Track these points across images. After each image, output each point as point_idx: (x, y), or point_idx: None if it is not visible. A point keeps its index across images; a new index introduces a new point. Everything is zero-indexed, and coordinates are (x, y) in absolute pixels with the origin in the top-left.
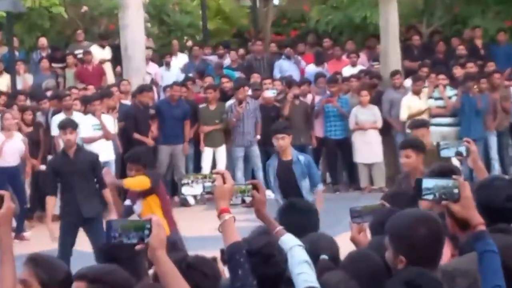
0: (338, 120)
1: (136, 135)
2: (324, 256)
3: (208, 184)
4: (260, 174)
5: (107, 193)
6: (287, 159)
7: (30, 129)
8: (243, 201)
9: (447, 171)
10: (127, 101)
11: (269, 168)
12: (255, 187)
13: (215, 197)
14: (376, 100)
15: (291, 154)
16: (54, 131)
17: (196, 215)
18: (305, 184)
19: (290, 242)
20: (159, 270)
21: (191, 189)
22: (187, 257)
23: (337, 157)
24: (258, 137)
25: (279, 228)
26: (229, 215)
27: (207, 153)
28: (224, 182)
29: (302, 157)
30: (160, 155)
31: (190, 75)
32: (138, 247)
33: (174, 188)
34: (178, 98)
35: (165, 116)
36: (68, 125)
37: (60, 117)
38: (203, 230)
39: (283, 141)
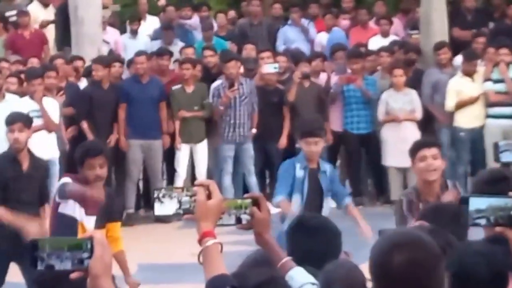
0: (362, 109)
1: (84, 124)
2: None
3: (185, 199)
4: (252, 181)
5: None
6: (314, 167)
7: None
8: (239, 221)
9: (501, 180)
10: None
11: (286, 173)
12: (256, 203)
13: (196, 216)
14: (415, 83)
15: (318, 162)
16: None
17: (171, 235)
18: (328, 204)
19: (300, 279)
20: None
21: (161, 207)
22: None
23: (360, 159)
24: (254, 130)
25: (287, 259)
26: (213, 240)
27: (183, 151)
28: (209, 197)
29: (327, 167)
30: (130, 153)
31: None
32: (74, 275)
33: (147, 199)
34: (150, 75)
35: (134, 100)
36: (17, 120)
37: None
38: (179, 255)
39: (316, 147)
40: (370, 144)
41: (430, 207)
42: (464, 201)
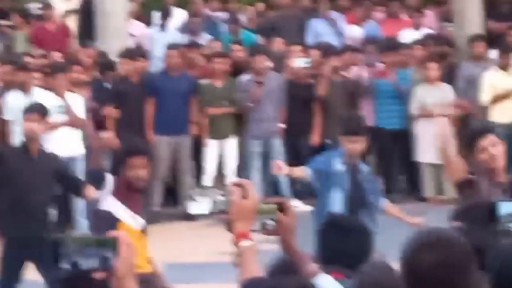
0: (394, 103)
1: (108, 110)
2: None
3: (220, 198)
4: (282, 178)
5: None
6: (354, 163)
7: None
8: (264, 226)
9: None
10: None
11: (320, 169)
12: (281, 208)
13: (231, 217)
14: (448, 77)
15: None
16: (8, 114)
17: (197, 233)
18: (374, 201)
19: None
20: None
21: (196, 206)
22: None
23: (392, 155)
24: (282, 125)
25: (313, 266)
26: (249, 241)
27: (211, 147)
28: (245, 197)
29: (364, 167)
30: (158, 149)
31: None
32: (98, 275)
33: (174, 196)
34: (180, 69)
35: (163, 94)
36: (35, 110)
37: (16, 95)
38: (205, 253)
39: (356, 146)
40: (403, 140)
41: (464, 207)
42: (493, 206)
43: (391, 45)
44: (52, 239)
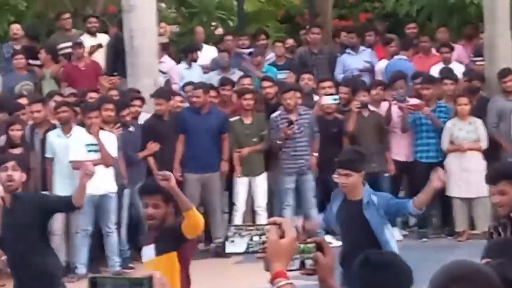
0: (432, 137)
1: (151, 160)
2: None
3: (256, 238)
4: (314, 214)
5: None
6: (355, 198)
7: (18, 150)
8: (303, 265)
9: None
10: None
11: (332, 206)
12: (320, 247)
13: (268, 256)
14: (479, 111)
15: (362, 192)
16: (48, 152)
17: (229, 271)
18: (385, 237)
19: None
20: None
21: (232, 245)
22: None
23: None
24: (315, 155)
25: None
26: (285, 281)
27: (242, 184)
28: (282, 236)
29: (375, 198)
30: (187, 187)
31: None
32: None
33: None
34: (210, 105)
35: (192, 132)
36: (10, 159)
37: (56, 133)
38: None
39: (346, 180)
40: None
41: (496, 242)
42: None
43: (431, 78)
44: (88, 280)
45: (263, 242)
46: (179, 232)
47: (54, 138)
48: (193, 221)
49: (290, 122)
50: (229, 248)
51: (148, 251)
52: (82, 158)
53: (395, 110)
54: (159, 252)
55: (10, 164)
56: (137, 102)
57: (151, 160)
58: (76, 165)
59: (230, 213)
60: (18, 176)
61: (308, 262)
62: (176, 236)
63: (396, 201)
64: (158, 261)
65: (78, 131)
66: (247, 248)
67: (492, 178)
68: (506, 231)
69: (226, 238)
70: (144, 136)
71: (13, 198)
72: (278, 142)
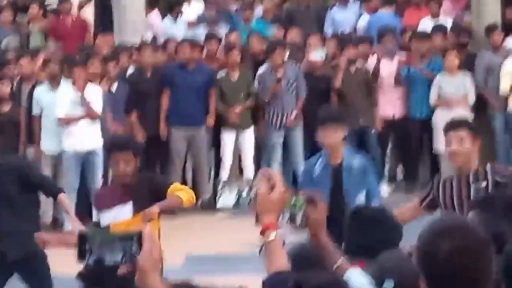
0: (426, 92)
1: (133, 117)
2: (389, 283)
3: (246, 191)
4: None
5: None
6: (336, 163)
7: (6, 106)
8: (293, 219)
9: None
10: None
11: (305, 172)
12: (311, 202)
13: (258, 209)
14: (467, 66)
15: (342, 155)
16: (35, 107)
17: (216, 226)
18: (357, 201)
19: (358, 284)
20: None
21: (221, 199)
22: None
23: (418, 145)
24: (295, 112)
25: (342, 260)
26: (276, 233)
27: (228, 138)
28: (272, 189)
29: (356, 161)
30: (173, 142)
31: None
32: (121, 270)
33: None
34: (197, 61)
35: (178, 87)
36: None
37: (43, 88)
38: (225, 245)
39: (330, 137)
40: (430, 130)
41: (483, 196)
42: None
43: (425, 33)
44: (77, 235)
45: (253, 196)
46: (162, 194)
47: (42, 93)
48: (188, 201)
49: (279, 79)
50: (220, 202)
51: (123, 210)
52: (68, 112)
53: (383, 66)
54: (136, 210)
55: None
56: (124, 57)
57: (134, 117)
58: (63, 122)
59: (217, 169)
60: None
61: (298, 217)
62: (156, 196)
63: (371, 183)
64: (136, 220)
65: (65, 86)
66: (237, 202)
67: (453, 124)
68: (445, 192)
69: (216, 193)
70: (128, 92)
71: None
72: (265, 98)
